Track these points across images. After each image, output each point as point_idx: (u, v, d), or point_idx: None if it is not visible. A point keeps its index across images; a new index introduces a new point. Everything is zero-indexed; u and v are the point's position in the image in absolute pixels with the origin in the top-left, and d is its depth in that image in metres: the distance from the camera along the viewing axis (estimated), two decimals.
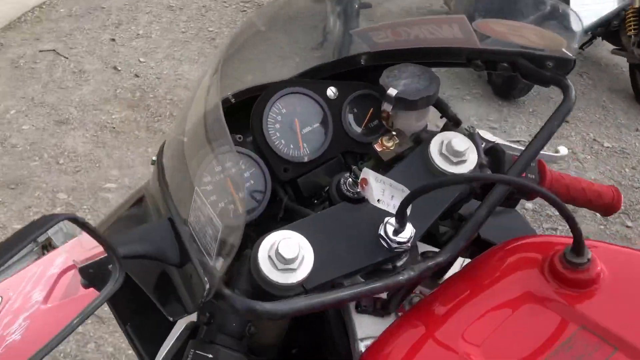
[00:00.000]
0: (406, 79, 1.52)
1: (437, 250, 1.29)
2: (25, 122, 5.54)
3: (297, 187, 1.61)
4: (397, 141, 1.51)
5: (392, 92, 1.51)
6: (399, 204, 1.16)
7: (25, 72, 6.14)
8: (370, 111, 1.76)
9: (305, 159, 1.64)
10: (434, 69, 1.59)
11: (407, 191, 1.17)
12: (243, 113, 1.61)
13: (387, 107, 1.57)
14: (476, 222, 1.29)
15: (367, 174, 1.22)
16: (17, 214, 4.52)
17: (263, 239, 1.13)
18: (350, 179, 1.41)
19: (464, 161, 1.37)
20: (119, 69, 6.27)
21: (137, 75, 6.18)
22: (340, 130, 1.69)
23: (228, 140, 1.06)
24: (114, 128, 5.79)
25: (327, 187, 1.46)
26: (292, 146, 1.64)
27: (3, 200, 4.90)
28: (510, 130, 5.69)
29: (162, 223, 1.13)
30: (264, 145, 1.58)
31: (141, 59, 6.42)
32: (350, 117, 1.76)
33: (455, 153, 1.36)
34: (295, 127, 1.66)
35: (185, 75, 6.15)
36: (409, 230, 1.21)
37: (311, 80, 1.71)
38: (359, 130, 1.72)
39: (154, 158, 1.43)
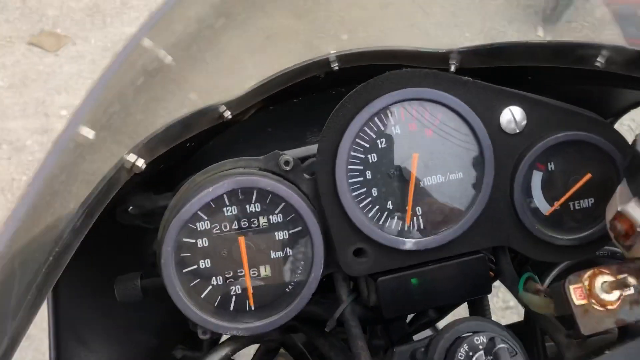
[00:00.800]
0: None
1: None
2: None
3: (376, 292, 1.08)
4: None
5: None
6: None
7: None
8: (584, 180, 1.08)
9: (407, 246, 1.04)
10: None
11: None
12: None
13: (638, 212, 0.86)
14: None
15: None
16: None
17: None
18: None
19: None
20: None
21: None
22: (502, 202, 1.08)
23: None
24: None
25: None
26: (387, 212, 1.06)
27: None
28: None
29: None
30: (328, 194, 1.05)
31: None
32: (535, 180, 1.09)
33: None
34: (407, 172, 1.06)
35: None
36: None
37: (462, 79, 1.09)
38: (544, 211, 1.09)
39: None
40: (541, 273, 1.24)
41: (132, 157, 1.03)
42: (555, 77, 1.24)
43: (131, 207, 1.22)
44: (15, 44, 4.81)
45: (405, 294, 1.06)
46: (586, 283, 0.86)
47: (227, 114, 1.16)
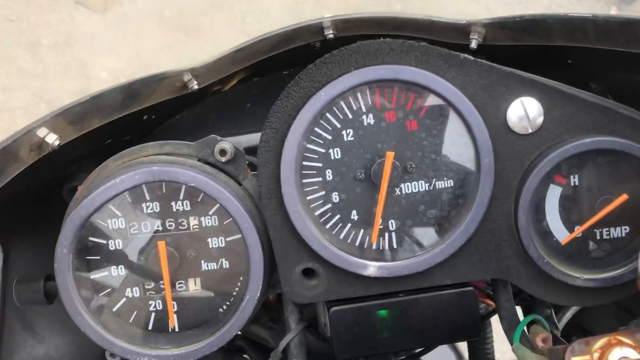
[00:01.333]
0: None
1: None
2: None
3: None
4: None
5: None
6: None
7: None
8: (618, 201, 0.82)
9: (370, 271, 0.83)
10: None
11: None
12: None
13: None
14: None
15: None
16: None
17: None
18: None
19: None
20: None
21: None
22: (502, 222, 0.83)
23: None
24: None
25: None
26: (351, 224, 0.84)
27: None
28: None
29: None
30: (271, 197, 0.83)
31: None
32: (552, 197, 0.83)
33: None
34: (379, 175, 0.81)
35: None
36: None
37: (459, 57, 0.83)
38: (560, 239, 0.83)
39: None
40: (558, 309, 0.99)
41: (42, 132, 0.84)
42: (604, 63, 0.96)
43: (79, 185, 1.05)
44: (62, 3, 4.77)
45: (366, 331, 0.83)
46: (596, 356, 0.60)
47: (193, 84, 0.95)
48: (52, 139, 0.84)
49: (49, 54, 4.50)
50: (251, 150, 1.10)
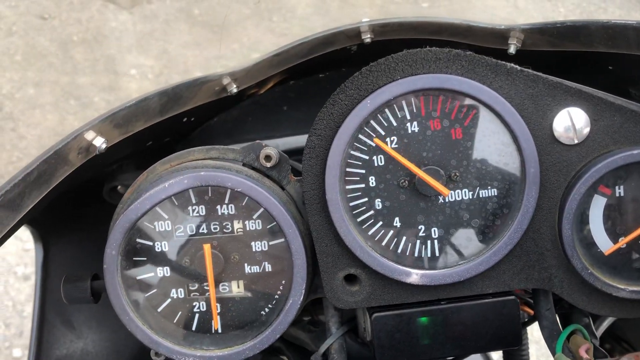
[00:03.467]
0: None
1: None
2: None
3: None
4: None
5: None
6: None
7: None
8: None
9: (413, 279, 0.83)
10: None
11: None
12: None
13: None
14: None
15: None
16: None
17: None
18: None
19: None
20: None
21: None
22: (546, 232, 0.83)
23: None
24: None
25: None
26: (393, 231, 0.84)
27: None
28: None
29: None
30: (315, 204, 0.84)
31: None
32: (596, 208, 0.83)
33: None
34: (424, 183, 0.82)
35: None
36: None
37: (506, 66, 0.82)
38: (603, 249, 0.83)
39: None
40: (595, 318, 0.98)
41: (89, 135, 0.85)
42: None
43: (119, 186, 1.07)
44: (92, 0, 4.84)
45: (407, 338, 0.83)
46: None
47: (232, 87, 0.96)
48: (100, 142, 0.86)
49: (78, 50, 4.57)
50: (288, 153, 1.11)
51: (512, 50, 0.92)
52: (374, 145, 0.80)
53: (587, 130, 0.79)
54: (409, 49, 1.15)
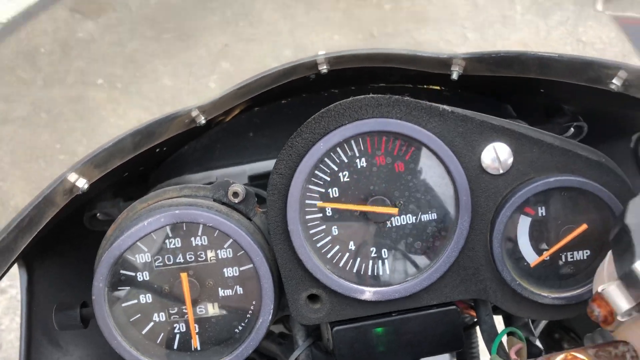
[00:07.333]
0: None
1: None
2: None
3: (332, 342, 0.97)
4: None
5: None
6: None
7: None
8: (578, 231, 0.95)
9: (366, 295, 0.95)
10: None
11: None
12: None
13: (618, 297, 0.72)
14: None
15: None
16: None
17: None
18: None
19: None
20: None
21: None
22: (479, 250, 0.95)
23: None
24: None
25: None
26: (349, 254, 0.96)
27: None
28: None
29: None
30: (279, 233, 0.95)
31: None
32: (522, 228, 0.95)
33: None
34: (372, 214, 0.95)
35: None
36: None
37: (439, 109, 0.95)
38: (530, 261, 0.96)
39: None
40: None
41: (72, 177, 0.95)
42: (570, 93, 1.08)
43: (99, 214, 1.15)
44: (59, 10, 4.83)
45: (365, 347, 0.95)
46: None
47: (201, 119, 1.06)
48: (82, 183, 0.96)
49: (46, 62, 4.58)
50: (255, 178, 1.20)
51: (454, 76, 1.04)
52: (329, 179, 0.91)
53: (510, 161, 0.91)
54: (362, 76, 1.26)
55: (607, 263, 0.76)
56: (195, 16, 4.99)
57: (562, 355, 0.73)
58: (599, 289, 0.71)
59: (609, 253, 0.78)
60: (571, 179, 0.89)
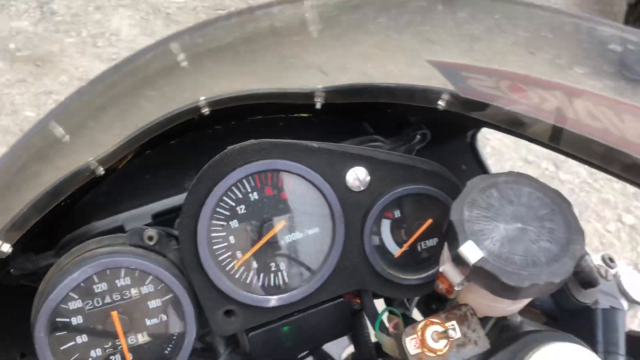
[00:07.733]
0: (511, 224, 0.94)
1: None
2: None
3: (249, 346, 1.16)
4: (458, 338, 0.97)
5: (471, 253, 0.91)
6: None
7: None
8: (426, 225, 1.20)
9: (272, 303, 1.14)
10: None
11: None
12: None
13: (453, 274, 0.96)
14: None
15: None
16: None
17: None
18: None
19: None
20: None
21: None
22: (355, 251, 1.18)
23: None
24: None
25: None
26: (253, 271, 1.14)
27: None
28: None
29: None
30: (193, 265, 1.11)
31: None
32: (385, 229, 1.20)
33: None
34: (258, 236, 1.13)
35: None
36: None
37: (311, 147, 1.16)
38: (394, 254, 1.20)
39: None
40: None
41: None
42: (412, 110, 1.35)
43: (12, 270, 1.24)
44: None
45: (276, 344, 1.16)
46: (419, 334, 0.98)
47: (100, 170, 1.19)
48: (7, 248, 1.07)
49: None
50: (158, 215, 1.35)
51: (318, 105, 1.27)
52: (229, 214, 1.11)
53: (368, 179, 1.16)
54: (241, 111, 1.46)
55: (445, 249, 1.03)
56: (49, 41, 4.84)
57: (423, 322, 0.99)
58: (440, 269, 0.98)
59: (444, 247, 1.05)
60: (414, 187, 1.16)
